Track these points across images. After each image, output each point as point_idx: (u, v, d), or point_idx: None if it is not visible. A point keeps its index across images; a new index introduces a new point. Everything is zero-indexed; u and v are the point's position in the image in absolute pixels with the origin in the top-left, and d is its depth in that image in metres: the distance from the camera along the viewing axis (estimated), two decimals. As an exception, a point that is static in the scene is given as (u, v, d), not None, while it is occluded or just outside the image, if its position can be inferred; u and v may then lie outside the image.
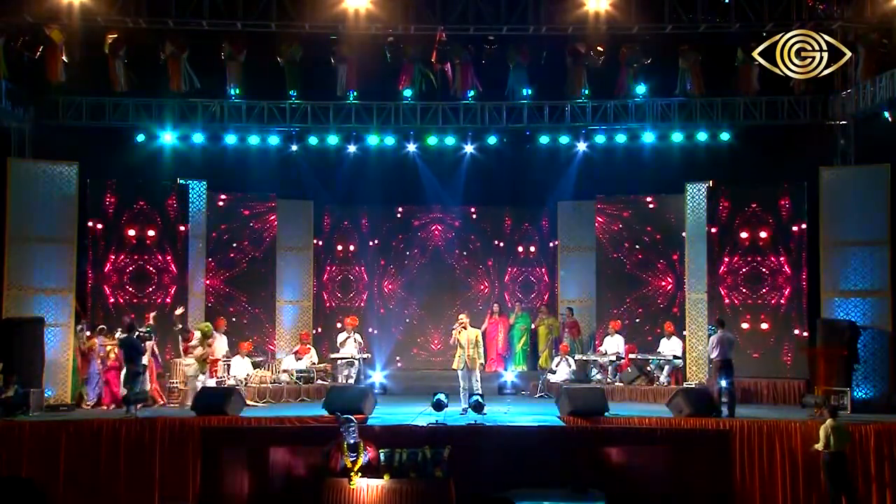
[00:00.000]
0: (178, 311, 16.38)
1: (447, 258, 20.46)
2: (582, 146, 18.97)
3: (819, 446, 12.67)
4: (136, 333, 15.18)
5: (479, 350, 15.21)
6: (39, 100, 17.03)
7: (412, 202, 20.29)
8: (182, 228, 17.22)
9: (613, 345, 17.89)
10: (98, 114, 17.47)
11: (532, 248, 20.43)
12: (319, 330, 19.38)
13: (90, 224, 16.65)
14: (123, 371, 15.06)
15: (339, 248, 20.22)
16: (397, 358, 19.75)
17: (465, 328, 15.22)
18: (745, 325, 17.05)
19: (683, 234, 17.89)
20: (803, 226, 16.97)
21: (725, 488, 13.45)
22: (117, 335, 15.61)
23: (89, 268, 16.62)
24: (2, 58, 15.48)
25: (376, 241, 20.31)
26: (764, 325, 17.05)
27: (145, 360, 15.23)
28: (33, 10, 15.18)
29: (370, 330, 19.67)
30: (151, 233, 16.98)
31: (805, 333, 16.67)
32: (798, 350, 16.48)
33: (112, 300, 16.76)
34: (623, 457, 13.62)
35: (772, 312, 17.04)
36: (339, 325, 18.99)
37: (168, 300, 17.03)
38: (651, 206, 18.94)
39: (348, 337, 17.75)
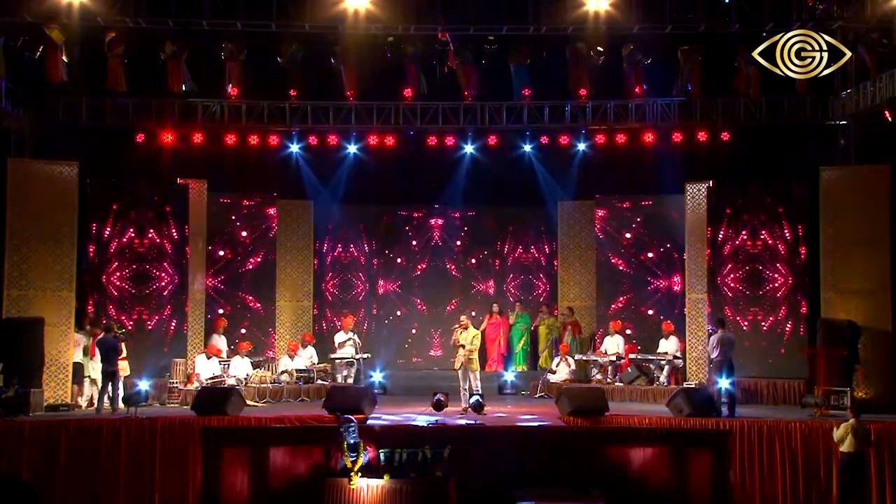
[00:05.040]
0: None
1: (447, 258, 20.42)
2: (582, 146, 18.97)
3: (836, 437, 12.68)
4: (113, 334, 15.26)
5: (477, 350, 15.25)
6: (39, 100, 17.02)
7: (412, 202, 20.28)
8: (182, 228, 17.21)
9: (613, 345, 17.89)
10: (98, 114, 17.45)
11: (532, 248, 20.40)
12: (316, 328, 19.35)
13: (90, 224, 16.63)
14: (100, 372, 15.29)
15: (339, 248, 20.19)
16: (398, 358, 19.71)
17: (465, 329, 15.26)
18: (744, 325, 17.04)
19: (683, 234, 17.88)
20: (803, 226, 16.96)
21: (725, 488, 13.45)
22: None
23: (89, 268, 16.60)
24: (2, 58, 15.48)
25: (376, 241, 20.29)
26: (763, 325, 17.04)
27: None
28: (33, 10, 15.19)
29: (372, 325, 19.70)
30: (151, 233, 16.97)
31: (805, 333, 16.69)
32: (798, 350, 16.47)
33: (111, 300, 16.75)
34: (623, 457, 13.60)
35: (772, 312, 17.03)
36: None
37: (168, 300, 17.03)
38: (651, 206, 18.92)
39: (348, 337, 17.77)
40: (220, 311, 18.18)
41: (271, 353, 18.43)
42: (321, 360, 17.95)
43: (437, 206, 20.27)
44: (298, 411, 14.87)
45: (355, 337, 17.79)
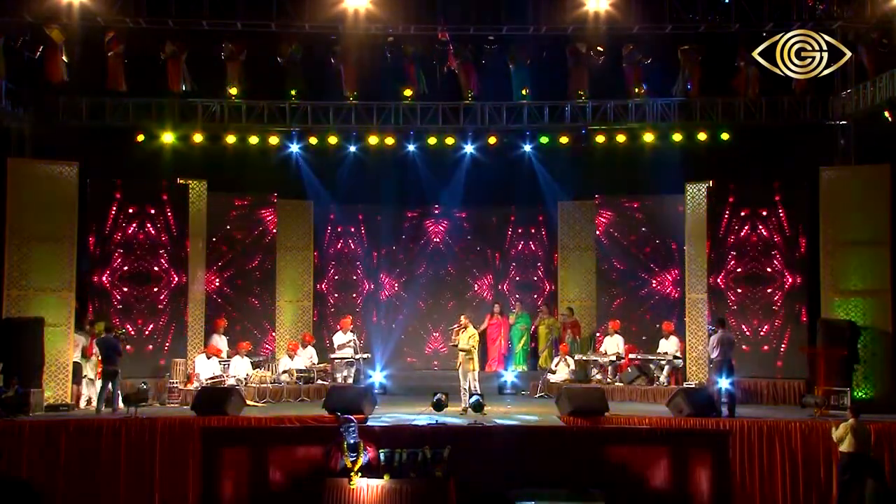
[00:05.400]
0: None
1: (447, 258, 20.41)
2: (581, 146, 18.95)
3: (835, 437, 12.69)
4: (113, 333, 15.26)
5: (476, 350, 15.26)
6: (39, 100, 17.02)
7: (412, 202, 20.27)
8: (182, 228, 17.20)
9: (613, 345, 17.89)
10: (98, 114, 17.47)
11: (532, 248, 20.40)
12: (316, 324, 19.34)
13: (90, 224, 16.63)
14: (100, 371, 15.34)
15: (339, 248, 20.19)
16: (398, 358, 19.70)
17: (464, 329, 15.27)
18: (744, 325, 17.03)
19: (683, 233, 17.87)
20: (803, 226, 16.96)
21: (725, 488, 13.45)
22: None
23: (89, 268, 16.60)
24: (2, 58, 15.48)
25: (376, 242, 20.27)
26: (764, 325, 17.04)
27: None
28: (33, 10, 15.20)
29: (372, 325, 19.68)
30: (151, 233, 16.96)
31: (805, 333, 16.68)
32: (798, 350, 16.46)
33: (111, 300, 16.74)
34: (623, 457, 13.58)
35: (771, 312, 17.02)
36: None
37: (168, 300, 17.01)
38: (651, 206, 18.92)
39: (347, 339, 17.78)
40: (220, 311, 18.16)
41: (269, 347, 18.41)
42: (321, 360, 17.95)
43: (436, 206, 20.27)
44: (298, 411, 14.87)
45: (355, 337, 17.80)
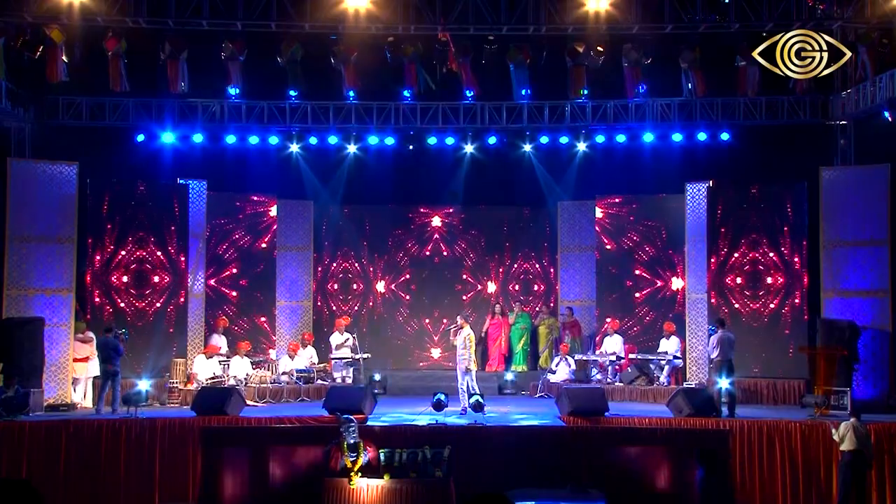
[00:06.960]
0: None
1: (447, 258, 20.42)
2: (582, 146, 18.98)
3: (836, 437, 12.71)
4: (113, 334, 15.26)
5: (472, 350, 15.27)
6: (39, 100, 17.06)
7: (412, 202, 20.28)
8: (182, 228, 17.20)
9: (613, 345, 17.88)
10: (98, 114, 17.50)
11: (532, 248, 20.39)
12: (317, 318, 19.37)
13: (90, 224, 16.62)
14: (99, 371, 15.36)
15: (339, 248, 20.19)
16: (398, 358, 19.70)
17: (462, 329, 15.27)
18: (744, 325, 17.02)
19: (683, 234, 17.88)
20: (803, 226, 16.96)
21: (725, 488, 13.43)
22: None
23: (89, 268, 16.60)
24: (2, 58, 15.50)
25: (375, 241, 20.28)
26: (763, 324, 17.03)
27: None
28: (33, 10, 15.22)
29: (372, 325, 19.70)
30: (151, 233, 16.94)
31: (804, 333, 16.69)
32: (798, 350, 16.46)
33: (111, 300, 16.73)
34: (623, 457, 13.58)
35: (772, 312, 17.01)
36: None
37: (168, 300, 17.00)
38: (651, 206, 18.91)
39: (345, 339, 17.77)
40: (221, 311, 18.16)
41: (270, 347, 18.41)
42: (321, 360, 17.95)
43: (436, 206, 20.27)
44: (298, 411, 14.87)
45: (352, 337, 17.79)
